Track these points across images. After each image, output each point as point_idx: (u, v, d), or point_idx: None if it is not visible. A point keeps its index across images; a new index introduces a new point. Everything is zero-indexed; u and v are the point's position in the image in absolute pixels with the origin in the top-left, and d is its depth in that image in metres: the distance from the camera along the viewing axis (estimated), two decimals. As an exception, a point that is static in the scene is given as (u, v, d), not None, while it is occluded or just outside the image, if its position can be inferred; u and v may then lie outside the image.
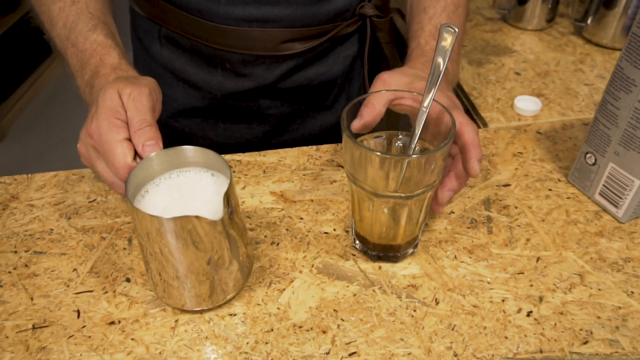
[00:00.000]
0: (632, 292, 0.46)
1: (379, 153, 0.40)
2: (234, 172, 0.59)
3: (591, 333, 0.43)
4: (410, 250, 0.49)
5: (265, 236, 0.51)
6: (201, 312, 0.45)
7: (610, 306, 0.45)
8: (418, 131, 0.43)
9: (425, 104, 0.42)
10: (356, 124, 0.44)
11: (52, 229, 0.53)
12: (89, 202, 0.56)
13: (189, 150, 0.43)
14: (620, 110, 0.49)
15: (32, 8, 0.57)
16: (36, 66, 2.44)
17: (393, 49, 0.67)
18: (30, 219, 0.54)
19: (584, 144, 0.55)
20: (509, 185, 0.57)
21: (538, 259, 0.49)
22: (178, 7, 0.61)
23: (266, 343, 0.42)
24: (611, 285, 0.47)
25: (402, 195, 0.42)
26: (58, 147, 2.10)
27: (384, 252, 0.48)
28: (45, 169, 0.61)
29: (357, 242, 0.49)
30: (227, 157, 0.61)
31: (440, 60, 0.42)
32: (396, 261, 0.49)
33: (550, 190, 0.57)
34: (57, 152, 2.08)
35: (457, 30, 0.41)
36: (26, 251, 0.51)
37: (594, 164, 0.54)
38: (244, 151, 0.62)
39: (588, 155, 0.54)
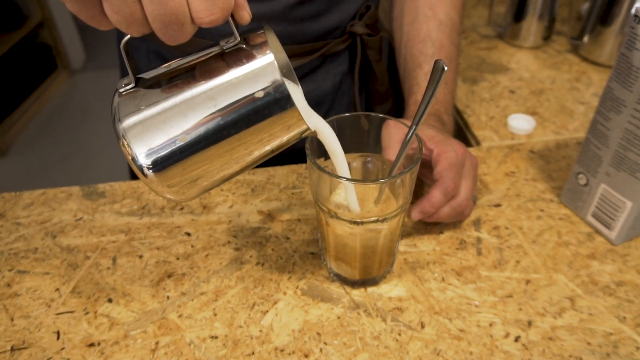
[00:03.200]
0: (624, 317, 0.45)
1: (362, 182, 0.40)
2: (221, 190, 0.59)
3: (581, 359, 0.42)
4: (388, 269, 0.48)
5: (251, 256, 0.51)
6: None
7: (601, 332, 0.44)
8: (400, 158, 0.42)
9: (410, 133, 0.42)
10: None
11: (37, 248, 0.52)
12: (75, 220, 0.55)
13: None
14: (611, 130, 0.48)
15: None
16: (41, 81, 2.46)
17: (382, 67, 0.66)
18: (15, 237, 0.54)
19: (575, 164, 0.54)
20: (500, 205, 0.56)
21: (528, 281, 0.48)
22: None
23: (246, 367, 0.42)
24: (603, 310, 0.45)
25: (379, 218, 0.42)
26: (62, 162, 2.11)
27: (362, 277, 0.47)
28: (49, 184, 0.61)
29: (333, 269, 0.48)
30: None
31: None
32: (375, 284, 0.48)
33: (542, 210, 0.56)
34: (61, 167, 2.08)
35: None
36: (10, 270, 0.50)
37: (585, 184, 0.53)
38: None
39: (580, 175, 0.53)
